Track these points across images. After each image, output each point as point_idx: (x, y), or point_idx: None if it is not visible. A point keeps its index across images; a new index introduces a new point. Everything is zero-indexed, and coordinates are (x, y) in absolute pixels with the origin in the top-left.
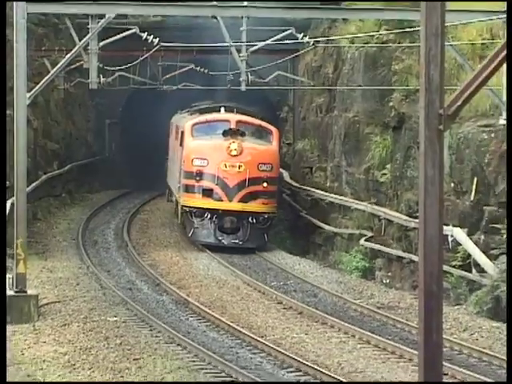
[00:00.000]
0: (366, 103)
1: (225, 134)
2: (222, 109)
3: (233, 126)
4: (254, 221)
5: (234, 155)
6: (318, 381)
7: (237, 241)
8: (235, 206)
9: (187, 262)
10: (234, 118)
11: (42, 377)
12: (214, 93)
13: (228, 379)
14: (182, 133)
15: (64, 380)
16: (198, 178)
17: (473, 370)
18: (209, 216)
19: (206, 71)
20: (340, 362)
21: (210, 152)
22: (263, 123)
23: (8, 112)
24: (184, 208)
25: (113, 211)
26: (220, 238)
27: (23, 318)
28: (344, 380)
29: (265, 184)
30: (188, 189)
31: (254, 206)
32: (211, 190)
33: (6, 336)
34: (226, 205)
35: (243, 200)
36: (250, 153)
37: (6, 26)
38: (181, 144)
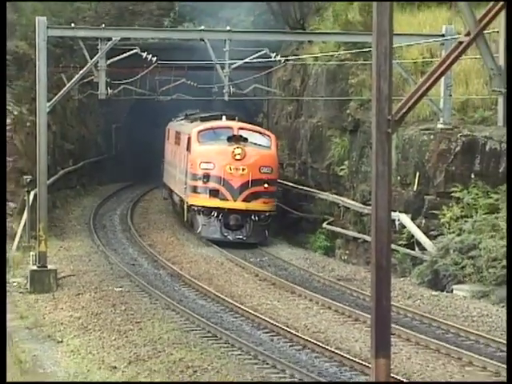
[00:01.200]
0: (327, 111)
1: (229, 139)
2: (224, 117)
3: (235, 132)
4: (257, 218)
5: (238, 159)
6: (320, 381)
7: (241, 236)
8: (239, 205)
9: (180, 242)
10: (236, 125)
11: (60, 337)
12: (202, 103)
13: (213, 339)
14: (189, 139)
15: (78, 340)
16: (205, 180)
17: (415, 330)
18: (215, 214)
19: (195, 84)
20: (306, 324)
21: (216, 156)
22: (262, 130)
23: (31, 118)
24: (192, 207)
25: (118, 200)
26: (226, 234)
27: (44, 288)
28: (309, 338)
29: (266, 185)
30: (196, 189)
31: (256, 205)
32: (217, 190)
33: (6, 336)
34: (231, 204)
35: (246, 199)
36: (252, 157)
37: (6, 26)
38: (187, 149)
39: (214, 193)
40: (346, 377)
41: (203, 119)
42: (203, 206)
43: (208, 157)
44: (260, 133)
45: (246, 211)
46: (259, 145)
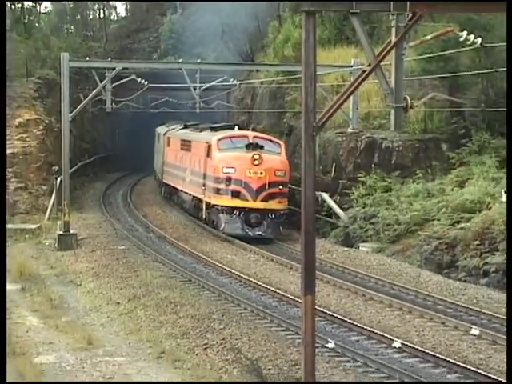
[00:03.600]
0: (270, 120)
1: (247, 147)
2: (236, 127)
3: (251, 140)
4: (273, 216)
5: (256, 164)
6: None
7: (260, 232)
8: (258, 204)
9: (165, 214)
10: (251, 134)
11: (79, 281)
12: (180, 114)
13: (189, 282)
14: (209, 146)
15: (92, 283)
16: (227, 183)
17: (332, 275)
18: (237, 213)
19: (176, 101)
20: (255, 271)
21: (236, 162)
22: (272, 138)
23: (58, 125)
24: (215, 206)
25: (120, 184)
26: (247, 230)
27: (68, 247)
28: (257, 281)
29: (280, 187)
30: (219, 191)
31: (272, 204)
32: (239, 192)
33: (5, 336)
34: (251, 204)
35: (264, 200)
36: (268, 162)
37: (6, 26)
38: (208, 155)
39: (236, 194)
40: (283, 308)
41: (213, 129)
42: (226, 206)
43: (229, 162)
44: (271, 141)
45: (264, 210)
46: (272, 151)
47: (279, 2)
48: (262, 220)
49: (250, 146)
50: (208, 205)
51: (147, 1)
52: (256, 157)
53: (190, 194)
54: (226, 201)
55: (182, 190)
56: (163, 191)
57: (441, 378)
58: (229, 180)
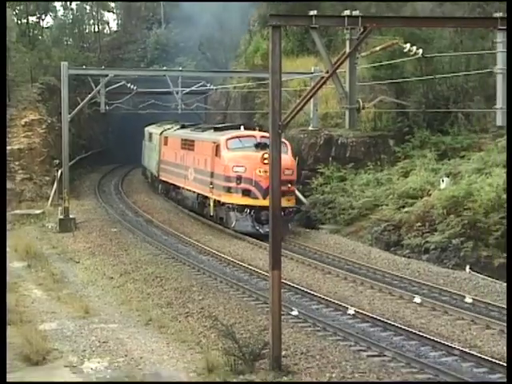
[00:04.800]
0: (242, 120)
1: (256, 146)
2: (242, 127)
3: (258, 140)
4: (283, 213)
5: (266, 163)
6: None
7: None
8: (268, 202)
9: (152, 201)
10: (258, 134)
11: (78, 259)
12: (164, 114)
13: (172, 259)
14: (218, 146)
15: (89, 261)
16: (238, 182)
17: (295, 252)
18: (248, 211)
19: (160, 103)
20: (229, 250)
21: (246, 161)
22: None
23: (58, 125)
24: (226, 204)
25: (112, 175)
26: (257, 227)
27: (67, 229)
28: (231, 258)
29: (289, 185)
30: (229, 189)
31: (282, 202)
32: (249, 190)
33: (6, 335)
34: (261, 202)
35: None
36: None
37: (6, 26)
38: (216, 154)
39: (246, 192)
40: (254, 281)
41: (217, 129)
42: (236, 204)
43: (240, 161)
44: None
45: None
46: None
47: (266, 2)
48: None
49: (259, 146)
50: (217, 202)
51: (149, 0)
52: (266, 156)
53: (193, 192)
54: (237, 199)
55: (183, 188)
56: (160, 188)
57: (387, 338)
58: (239, 179)
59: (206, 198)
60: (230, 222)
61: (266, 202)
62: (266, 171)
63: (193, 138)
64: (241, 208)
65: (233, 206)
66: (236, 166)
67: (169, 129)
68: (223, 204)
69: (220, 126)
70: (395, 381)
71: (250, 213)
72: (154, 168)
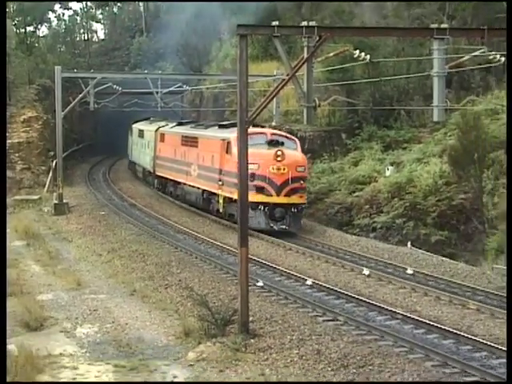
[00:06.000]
0: (214, 116)
1: (269, 144)
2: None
3: (269, 137)
4: (296, 210)
5: (279, 160)
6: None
7: (284, 226)
8: (282, 199)
9: (135, 187)
10: (269, 131)
11: (70, 238)
12: (145, 112)
13: (153, 238)
14: (228, 143)
15: (80, 240)
16: (251, 179)
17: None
18: (262, 208)
19: (142, 102)
20: (203, 230)
21: (260, 158)
22: (288, 135)
23: (53, 121)
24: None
25: (101, 165)
26: (272, 224)
27: (61, 213)
28: (205, 237)
29: (301, 182)
30: None
31: (295, 198)
32: (263, 187)
33: (5, 335)
34: (275, 199)
35: (287, 195)
36: (290, 158)
37: (6, 26)
38: (227, 152)
39: (260, 189)
40: (225, 257)
41: (222, 126)
42: (250, 201)
43: (253, 159)
44: (287, 137)
45: (288, 204)
46: (291, 147)
47: (266, 2)
48: (285, 214)
49: (271, 143)
50: (227, 199)
51: (149, 0)
52: (279, 153)
53: (197, 188)
54: (251, 196)
55: (185, 183)
56: (156, 183)
57: (340, 305)
58: (253, 176)
59: (213, 194)
60: None
61: (280, 199)
62: (279, 168)
63: (196, 134)
64: (254, 205)
65: None
66: (249, 163)
67: (163, 126)
68: (235, 201)
69: (225, 123)
70: (395, 381)
71: (263, 210)
72: (147, 163)
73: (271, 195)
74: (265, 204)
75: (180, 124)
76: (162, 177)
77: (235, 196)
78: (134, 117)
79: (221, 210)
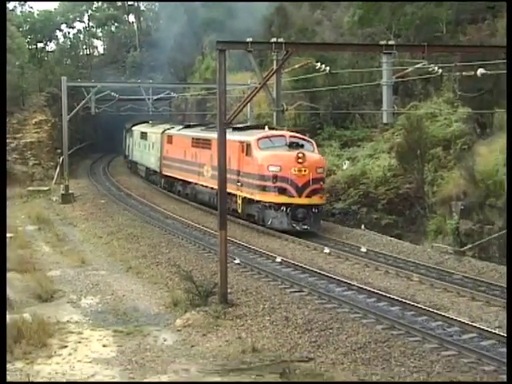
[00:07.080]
0: (197, 119)
1: (289, 146)
2: (266, 127)
3: (289, 140)
4: (316, 210)
5: (301, 162)
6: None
7: (306, 226)
8: (304, 200)
9: (131, 180)
10: (287, 133)
11: (75, 223)
12: (139, 116)
13: (146, 223)
14: (248, 145)
15: (83, 224)
16: (274, 181)
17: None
18: (284, 209)
19: (136, 107)
20: (189, 216)
21: (281, 160)
22: (305, 137)
23: (60, 123)
24: (261, 203)
25: (101, 161)
26: (294, 225)
27: (67, 202)
28: (191, 222)
29: (321, 183)
30: (264, 188)
31: (315, 199)
32: (285, 189)
33: (5, 335)
34: (296, 200)
35: (308, 195)
36: (310, 160)
37: (6, 26)
38: (247, 154)
39: (282, 191)
40: (207, 238)
41: (236, 129)
42: (273, 202)
43: (275, 161)
44: (305, 139)
45: (309, 205)
46: (309, 149)
47: (267, 2)
48: (307, 215)
49: (291, 145)
50: (248, 200)
51: (149, 0)
52: (300, 155)
53: (211, 188)
54: (273, 197)
55: (196, 184)
56: (163, 182)
57: (304, 279)
58: (275, 178)
59: (229, 194)
60: (266, 219)
61: (301, 200)
62: (300, 170)
63: (209, 137)
64: (277, 206)
65: (269, 204)
66: (271, 165)
67: (169, 128)
68: (257, 202)
69: (240, 125)
70: (395, 381)
71: (286, 210)
72: (153, 164)
73: (293, 196)
74: (287, 205)
75: (188, 126)
76: (170, 176)
77: (257, 197)
78: (128, 120)
79: (239, 211)
